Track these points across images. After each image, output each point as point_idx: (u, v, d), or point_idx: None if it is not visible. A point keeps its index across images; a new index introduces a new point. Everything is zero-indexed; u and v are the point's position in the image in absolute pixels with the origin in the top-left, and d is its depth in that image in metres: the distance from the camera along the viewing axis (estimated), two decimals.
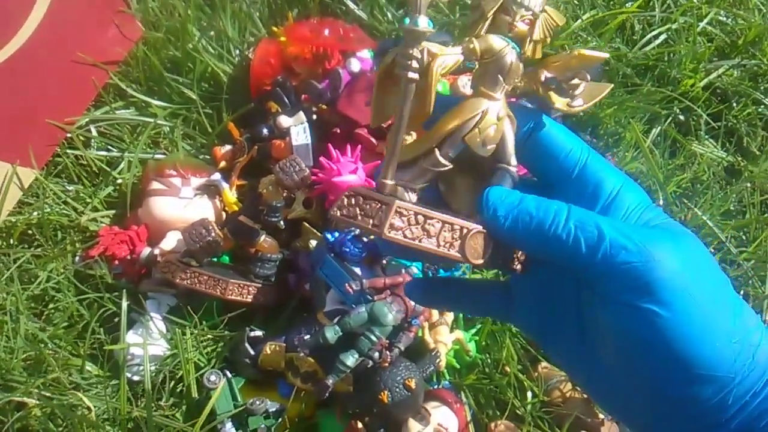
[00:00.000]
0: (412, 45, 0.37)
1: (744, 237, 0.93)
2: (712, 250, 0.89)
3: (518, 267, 0.40)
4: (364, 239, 0.81)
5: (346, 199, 0.39)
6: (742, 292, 0.88)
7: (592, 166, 0.39)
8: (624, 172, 0.39)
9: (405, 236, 0.37)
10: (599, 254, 0.34)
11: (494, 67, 0.39)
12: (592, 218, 0.36)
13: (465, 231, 0.38)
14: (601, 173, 0.39)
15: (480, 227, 0.38)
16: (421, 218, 0.37)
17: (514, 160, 0.40)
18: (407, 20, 0.37)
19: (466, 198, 0.41)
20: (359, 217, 0.38)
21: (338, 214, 0.38)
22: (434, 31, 0.38)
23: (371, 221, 0.37)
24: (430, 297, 0.45)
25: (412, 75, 0.37)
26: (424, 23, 0.36)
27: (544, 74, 0.39)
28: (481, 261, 0.38)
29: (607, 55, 0.39)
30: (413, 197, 0.39)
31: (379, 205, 0.37)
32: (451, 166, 0.39)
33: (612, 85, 0.41)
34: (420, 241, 0.37)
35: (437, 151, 0.39)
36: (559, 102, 0.39)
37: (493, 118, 0.39)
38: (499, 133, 0.39)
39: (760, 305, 0.85)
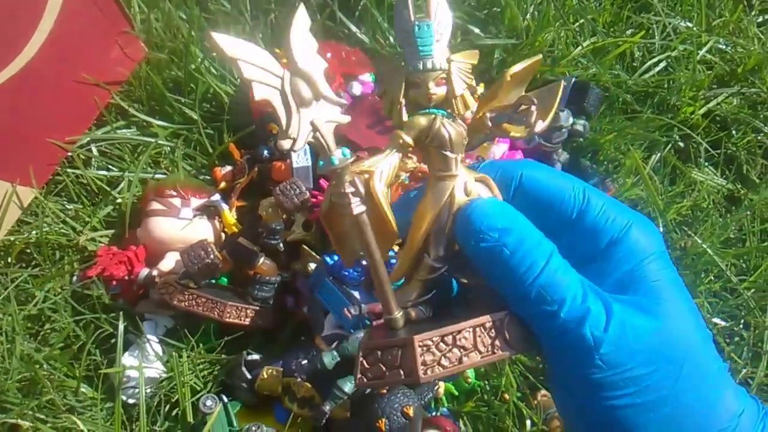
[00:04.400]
0: (340, 183, 0.35)
1: (744, 265, 0.93)
2: (713, 278, 0.89)
3: None
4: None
5: (364, 361, 0.35)
6: (742, 322, 0.88)
7: (593, 210, 0.37)
8: (628, 204, 0.37)
9: (443, 367, 0.33)
10: (554, 324, 0.33)
11: (435, 146, 0.37)
12: (563, 278, 0.33)
13: (498, 323, 0.34)
14: (603, 217, 0.36)
15: (506, 310, 0.35)
16: (449, 339, 0.34)
17: None
18: (322, 163, 0.36)
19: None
20: (387, 374, 0.34)
21: (365, 380, 0.35)
22: (353, 158, 0.37)
23: (401, 372, 0.34)
24: None
25: (358, 209, 0.35)
26: (339, 159, 0.35)
27: (488, 116, 0.38)
28: (530, 345, 0.35)
29: (539, 57, 0.38)
30: (428, 312, 0.37)
31: (399, 351, 0.34)
32: (446, 267, 0.37)
33: (561, 84, 0.39)
34: (461, 362, 0.33)
35: (427, 258, 0.37)
36: (518, 131, 0.37)
37: (462, 197, 0.36)
38: None
39: (761, 335, 0.84)
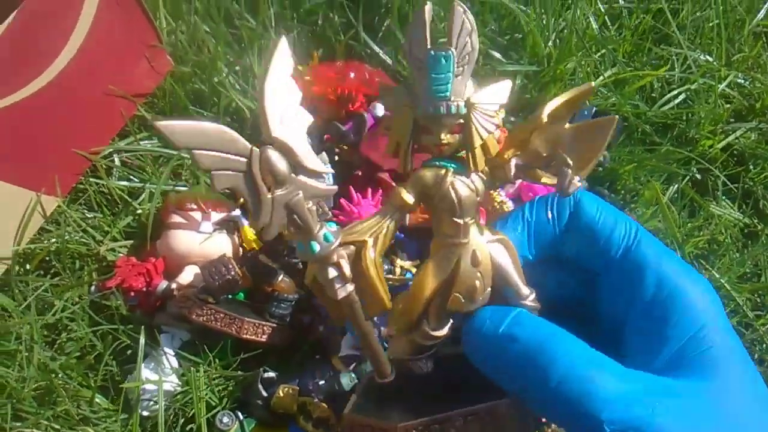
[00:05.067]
0: (323, 267, 0.31)
1: (759, 300, 0.93)
2: (729, 312, 0.89)
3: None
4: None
5: None
6: (756, 356, 0.88)
7: (640, 251, 0.33)
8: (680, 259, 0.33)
9: None
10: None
11: (442, 209, 0.32)
12: (592, 373, 0.28)
13: (493, 412, 0.31)
14: (649, 261, 0.32)
15: (506, 399, 0.31)
16: (435, 428, 0.30)
17: (525, 290, 0.33)
18: (301, 246, 0.31)
19: None
20: None
21: None
22: (338, 241, 0.32)
23: None
24: None
25: (342, 294, 0.32)
26: (320, 245, 0.31)
27: (513, 164, 0.33)
28: None
29: (588, 87, 0.32)
30: (429, 365, 0.34)
31: None
32: (448, 332, 0.33)
33: (614, 122, 0.33)
34: None
35: (425, 326, 0.33)
36: (548, 178, 0.33)
37: (469, 269, 0.31)
38: (487, 275, 0.32)
39: None
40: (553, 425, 0.80)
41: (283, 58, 0.30)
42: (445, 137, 0.31)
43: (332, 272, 0.31)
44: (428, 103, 0.31)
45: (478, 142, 0.31)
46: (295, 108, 0.31)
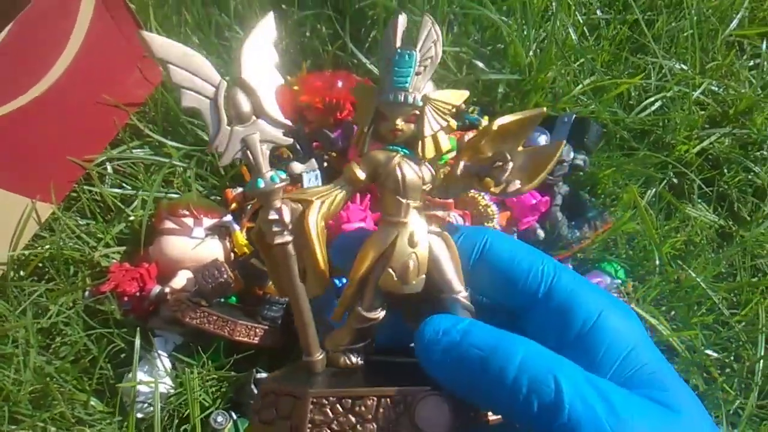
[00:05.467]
0: (267, 207, 0.32)
1: (735, 299, 0.97)
2: (705, 311, 0.92)
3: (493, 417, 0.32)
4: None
5: (261, 400, 0.33)
6: (734, 354, 0.91)
7: (562, 288, 0.32)
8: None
9: (332, 430, 0.30)
10: (555, 424, 0.27)
11: (388, 187, 0.34)
12: (551, 365, 0.28)
13: (409, 399, 0.30)
14: (573, 296, 0.32)
15: (426, 388, 0.31)
16: (347, 402, 0.30)
17: (458, 285, 0.34)
18: (248, 184, 0.33)
19: None
20: (276, 422, 0.31)
21: (256, 419, 0.33)
22: (283, 184, 0.33)
23: (288, 424, 0.30)
24: None
25: (279, 240, 0.33)
26: (265, 182, 0.32)
27: (461, 166, 0.35)
28: (446, 430, 0.30)
29: (540, 111, 0.34)
30: (355, 359, 0.34)
31: (293, 401, 0.31)
32: (382, 315, 0.34)
33: (561, 146, 0.34)
34: (355, 431, 0.30)
35: (359, 307, 0.34)
36: (496, 187, 0.34)
37: (405, 249, 0.33)
38: (422, 261, 0.33)
39: (752, 367, 0.88)
40: None
41: (265, 27, 0.34)
42: (400, 124, 0.33)
43: (272, 214, 0.33)
44: (389, 91, 0.33)
45: (429, 132, 0.33)
46: (269, 68, 0.33)
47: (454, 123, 0.34)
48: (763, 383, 0.87)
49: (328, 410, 0.30)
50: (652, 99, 1.08)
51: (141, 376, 0.82)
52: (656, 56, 1.11)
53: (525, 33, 1.07)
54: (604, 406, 0.27)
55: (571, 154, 0.95)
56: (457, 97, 0.34)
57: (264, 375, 0.82)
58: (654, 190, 1.02)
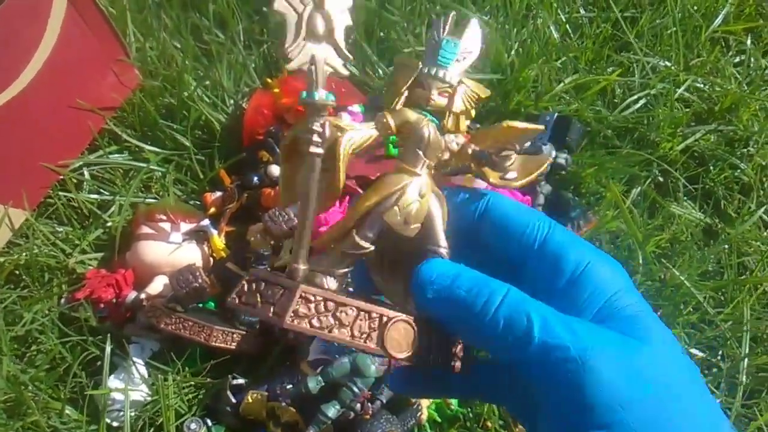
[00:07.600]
0: (313, 118, 0.36)
1: (722, 298, 0.95)
2: (691, 310, 0.91)
3: (457, 365, 0.36)
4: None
5: (246, 285, 0.35)
6: (720, 353, 0.90)
7: (555, 240, 0.36)
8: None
9: (312, 325, 0.33)
10: (530, 349, 0.31)
11: (412, 141, 0.37)
12: (525, 305, 0.32)
13: (384, 319, 0.34)
14: (564, 247, 0.35)
15: (403, 315, 0.34)
16: (331, 305, 0.33)
17: (443, 241, 0.37)
18: (305, 94, 0.36)
19: (402, 289, 0.38)
20: (259, 306, 0.34)
21: (236, 301, 0.35)
22: (333, 103, 0.37)
23: (272, 308, 0.33)
24: (413, 388, 0.42)
25: (314, 149, 0.35)
26: (321, 96, 0.35)
27: (471, 147, 0.38)
28: (405, 355, 0.34)
29: (540, 128, 0.39)
30: (333, 284, 0.36)
31: (282, 290, 0.34)
32: (372, 248, 0.37)
33: (549, 159, 0.38)
34: (330, 331, 0.33)
35: (355, 233, 0.36)
36: (493, 176, 0.38)
37: (413, 195, 0.36)
38: (422, 211, 0.37)
39: (737, 366, 0.86)
40: (519, 425, 0.81)
41: None
42: (434, 96, 0.37)
43: (317, 126, 0.35)
44: (432, 66, 0.38)
45: (458, 108, 0.37)
46: (346, 6, 0.38)
47: (473, 112, 0.38)
48: (749, 382, 0.86)
49: (312, 306, 0.33)
50: (636, 96, 1.07)
51: (117, 384, 0.80)
52: (639, 54, 1.10)
53: (506, 30, 1.06)
54: (570, 336, 0.31)
55: (553, 153, 0.94)
56: (483, 90, 0.39)
57: (241, 381, 0.81)
58: (638, 188, 1.01)
